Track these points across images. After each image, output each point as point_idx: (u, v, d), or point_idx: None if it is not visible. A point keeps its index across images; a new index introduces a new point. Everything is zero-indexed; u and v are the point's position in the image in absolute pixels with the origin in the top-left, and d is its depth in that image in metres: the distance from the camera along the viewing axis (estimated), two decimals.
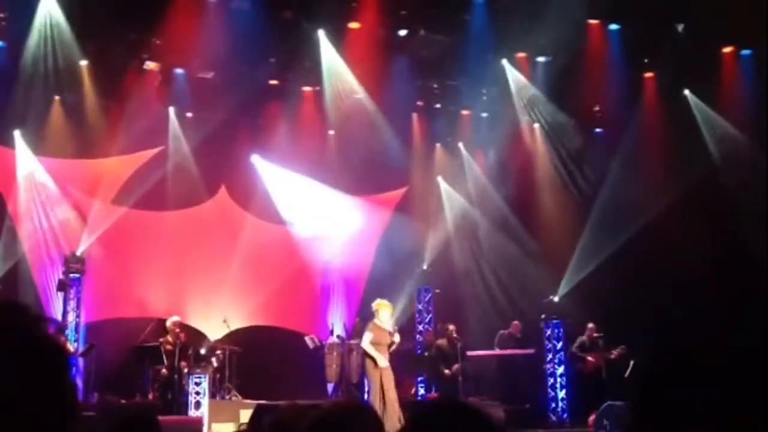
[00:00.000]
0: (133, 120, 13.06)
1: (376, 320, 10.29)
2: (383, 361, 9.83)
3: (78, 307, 12.92)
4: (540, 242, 15.16)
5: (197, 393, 11.76)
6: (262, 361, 12.96)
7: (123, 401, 11.38)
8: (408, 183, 15.80)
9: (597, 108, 14.74)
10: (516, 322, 14.16)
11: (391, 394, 9.73)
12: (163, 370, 11.69)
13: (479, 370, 13.69)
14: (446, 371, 13.03)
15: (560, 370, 14.15)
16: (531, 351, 13.87)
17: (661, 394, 1.35)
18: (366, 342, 10.00)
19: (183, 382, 11.75)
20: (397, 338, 10.23)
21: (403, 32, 12.86)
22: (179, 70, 13.45)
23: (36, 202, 13.33)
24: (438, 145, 16.05)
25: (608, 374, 12.78)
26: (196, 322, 13.77)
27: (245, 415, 10.47)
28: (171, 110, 14.08)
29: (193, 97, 13.71)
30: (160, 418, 4.28)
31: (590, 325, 13.39)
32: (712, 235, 12.87)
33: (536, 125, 15.29)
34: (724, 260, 12.70)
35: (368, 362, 10.05)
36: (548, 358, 14.24)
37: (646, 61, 13.82)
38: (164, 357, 11.70)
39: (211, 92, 13.38)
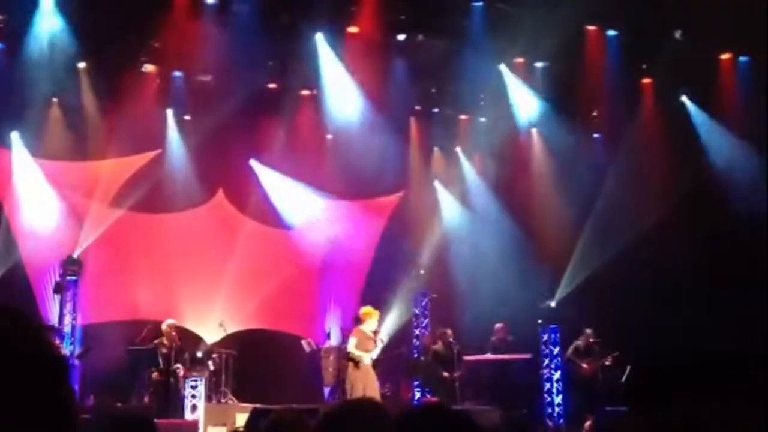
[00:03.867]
0: (131, 122, 13.05)
1: (362, 327, 10.54)
2: (367, 358, 10.37)
3: (74, 309, 12.89)
4: (537, 247, 15.13)
5: (193, 396, 11.74)
6: (259, 365, 12.95)
7: (119, 404, 11.34)
8: (405, 187, 15.80)
9: (595, 113, 14.75)
10: (498, 325, 13.88)
11: (374, 394, 10.08)
12: (159, 373, 11.67)
13: (476, 374, 13.66)
14: (445, 374, 13.01)
15: (557, 375, 14.13)
16: (528, 356, 13.84)
17: (659, 403, 1.34)
18: (351, 346, 10.55)
19: (179, 386, 11.73)
20: (384, 339, 10.74)
21: (401, 37, 12.86)
22: (177, 73, 13.45)
23: (33, 204, 13.30)
24: (436, 149, 16.04)
25: (604, 379, 12.77)
26: (193, 326, 13.76)
27: (241, 419, 10.45)
28: (169, 113, 14.08)
29: (191, 100, 13.70)
30: (156, 421, 4.26)
31: (587, 330, 13.37)
32: (710, 241, 12.87)
33: (534, 130, 15.30)
34: (723, 266, 12.69)
35: (350, 365, 10.35)
36: (545, 363, 14.21)
37: (644, 67, 13.82)
38: (160, 360, 11.68)
39: (209, 95, 13.37)
